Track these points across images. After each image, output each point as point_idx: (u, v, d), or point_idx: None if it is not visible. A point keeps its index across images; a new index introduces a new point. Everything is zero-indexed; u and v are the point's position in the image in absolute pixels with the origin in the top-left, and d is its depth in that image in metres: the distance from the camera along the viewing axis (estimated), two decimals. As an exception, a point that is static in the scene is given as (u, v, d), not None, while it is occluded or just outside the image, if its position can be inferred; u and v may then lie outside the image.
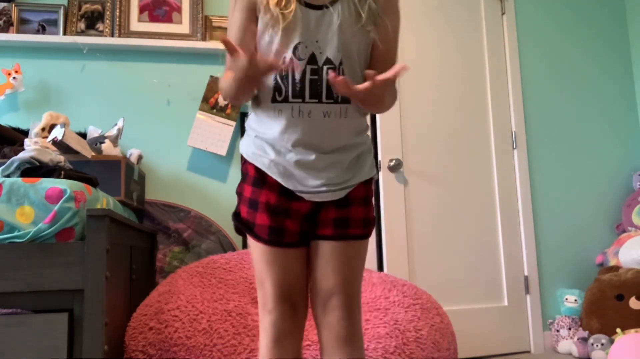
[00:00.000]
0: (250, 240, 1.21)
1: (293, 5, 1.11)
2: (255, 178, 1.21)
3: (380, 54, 1.20)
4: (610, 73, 3.34)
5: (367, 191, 1.26)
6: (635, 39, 3.37)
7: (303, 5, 1.13)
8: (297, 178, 1.17)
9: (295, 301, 1.20)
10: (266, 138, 1.18)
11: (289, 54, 1.13)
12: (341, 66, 1.15)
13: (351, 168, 1.21)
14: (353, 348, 1.18)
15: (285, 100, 1.14)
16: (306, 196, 1.18)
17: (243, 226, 1.21)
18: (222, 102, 2.62)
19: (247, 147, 1.23)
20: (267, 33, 1.14)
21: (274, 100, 1.15)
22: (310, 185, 1.17)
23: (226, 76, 1.17)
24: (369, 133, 1.28)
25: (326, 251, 1.21)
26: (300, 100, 1.13)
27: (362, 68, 1.19)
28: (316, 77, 1.13)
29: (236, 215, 1.23)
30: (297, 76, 1.13)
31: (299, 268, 1.22)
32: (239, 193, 1.24)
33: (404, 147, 2.84)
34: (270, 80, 1.15)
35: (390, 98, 1.20)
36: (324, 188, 1.17)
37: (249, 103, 1.26)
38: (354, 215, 1.21)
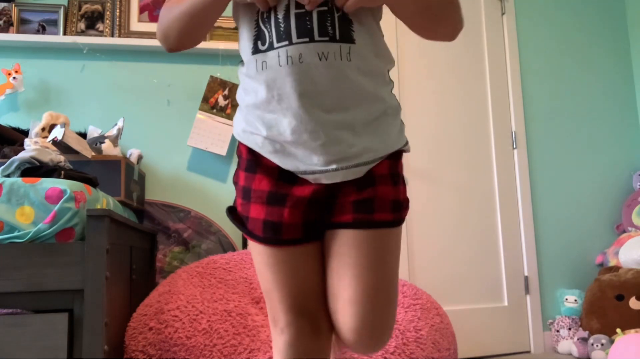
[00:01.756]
0: (248, 240, 1.00)
1: None
2: (248, 160, 0.97)
3: None
4: (610, 73, 3.33)
5: (395, 167, 0.98)
6: (635, 39, 3.37)
7: None
8: (297, 156, 0.92)
9: (313, 312, 0.96)
10: (253, 104, 0.93)
11: None
12: None
13: (368, 134, 0.92)
14: None
15: (270, 47, 0.88)
16: (311, 178, 0.93)
17: (237, 221, 0.99)
18: (222, 102, 2.62)
19: (237, 124, 0.99)
20: None
21: (256, 51, 0.90)
22: (315, 163, 0.91)
23: (181, 0, 0.92)
24: (394, 91, 1.01)
25: (343, 245, 0.94)
26: (286, 42, 0.87)
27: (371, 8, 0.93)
28: (303, 10, 0.87)
29: (230, 209, 1.01)
30: (280, 14, 0.88)
31: (311, 270, 0.97)
32: (235, 182, 1.01)
33: (404, 147, 2.84)
34: (250, 27, 0.92)
35: (434, 3, 0.92)
36: (333, 166, 0.91)
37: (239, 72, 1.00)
38: (380, 195, 0.94)
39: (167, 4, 0.96)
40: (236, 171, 1.01)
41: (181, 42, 0.97)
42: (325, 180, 0.93)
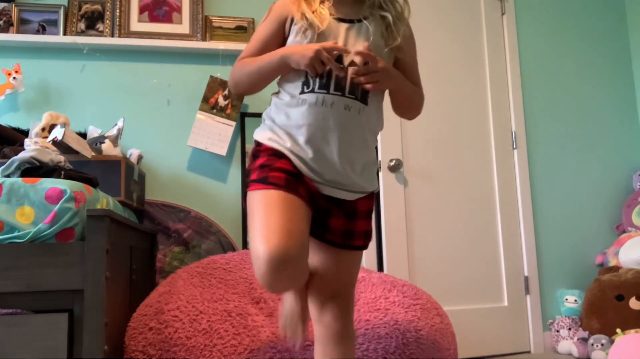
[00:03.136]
0: (255, 193, 1.19)
1: (327, 15, 1.27)
2: (272, 152, 1.25)
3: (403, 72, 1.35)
4: (610, 73, 3.34)
5: (370, 205, 1.35)
6: (635, 39, 3.37)
7: (335, 19, 1.28)
8: (311, 168, 1.24)
9: (297, 241, 1.13)
10: (284, 125, 1.26)
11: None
12: None
13: (361, 175, 1.29)
14: (346, 341, 1.32)
15: (312, 91, 1.24)
16: (319, 187, 1.25)
17: (255, 182, 1.21)
18: (222, 102, 2.62)
19: (263, 134, 1.31)
20: (296, 41, 1.27)
21: (302, 92, 1.25)
22: (324, 178, 1.24)
23: (252, 61, 1.29)
24: (375, 147, 1.37)
25: (332, 256, 1.32)
26: (325, 91, 1.23)
27: None
28: (342, 76, 1.24)
29: (248, 186, 1.24)
30: (324, 74, 1.24)
31: (304, 224, 1.19)
32: (249, 169, 1.28)
33: (404, 147, 2.84)
34: (300, 76, 1.26)
35: (414, 98, 1.37)
36: (332, 184, 1.25)
37: (272, 98, 1.34)
38: (359, 228, 1.31)
39: (241, 62, 1.34)
40: (252, 161, 1.29)
41: (248, 91, 1.39)
42: (328, 192, 1.26)
